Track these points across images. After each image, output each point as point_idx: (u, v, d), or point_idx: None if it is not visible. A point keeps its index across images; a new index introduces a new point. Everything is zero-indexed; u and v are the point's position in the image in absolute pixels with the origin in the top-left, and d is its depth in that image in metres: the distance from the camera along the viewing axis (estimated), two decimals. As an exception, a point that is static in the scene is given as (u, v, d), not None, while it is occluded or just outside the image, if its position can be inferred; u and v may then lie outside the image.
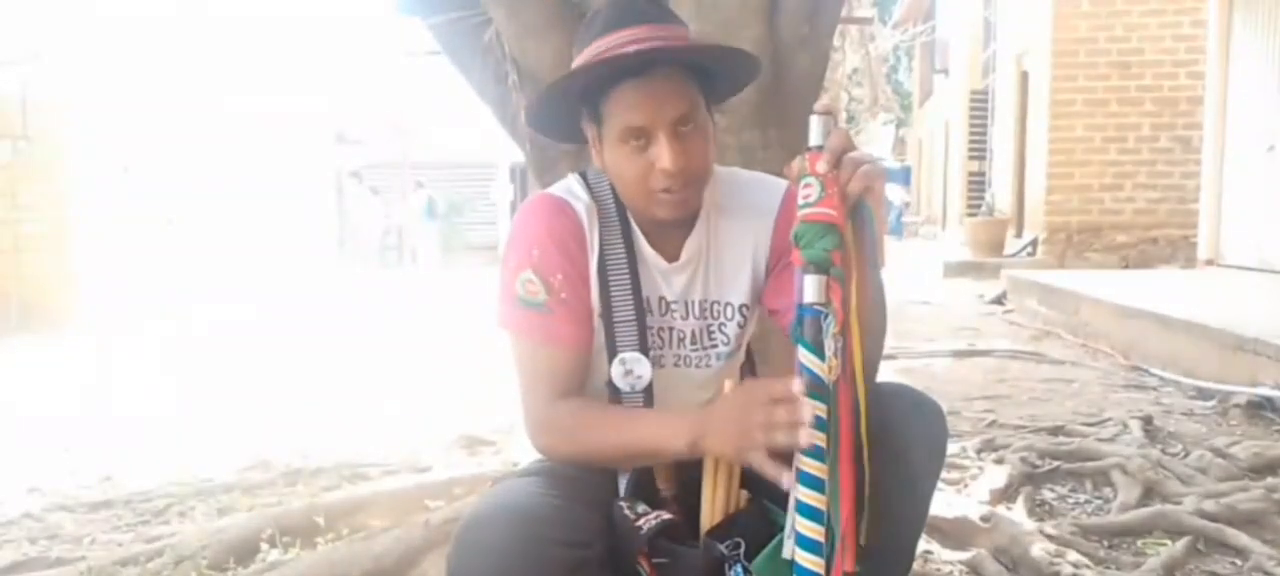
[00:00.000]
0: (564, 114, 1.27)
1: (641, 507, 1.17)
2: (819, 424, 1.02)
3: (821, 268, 1.04)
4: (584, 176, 1.32)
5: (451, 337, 6.60)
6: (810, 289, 1.05)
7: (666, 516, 1.16)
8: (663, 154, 1.17)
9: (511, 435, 3.36)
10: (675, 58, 1.19)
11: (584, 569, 1.04)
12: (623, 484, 1.22)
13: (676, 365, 1.30)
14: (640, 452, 1.16)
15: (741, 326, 1.33)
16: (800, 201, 1.06)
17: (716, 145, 1.28)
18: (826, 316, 1.03)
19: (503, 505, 1.07)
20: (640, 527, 1.13)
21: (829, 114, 1.09)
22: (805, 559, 1.04)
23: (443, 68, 2.33)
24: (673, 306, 1.29)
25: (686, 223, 1.29)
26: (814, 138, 1.07)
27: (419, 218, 15.67)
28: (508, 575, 1.01)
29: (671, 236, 1.29)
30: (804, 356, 1.03)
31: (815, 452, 1.02)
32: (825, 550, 1.04)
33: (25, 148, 7.73)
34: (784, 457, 1.04)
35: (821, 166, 1.05)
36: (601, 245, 1.26)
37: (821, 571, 1.03)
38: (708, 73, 1.24)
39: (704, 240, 1.30)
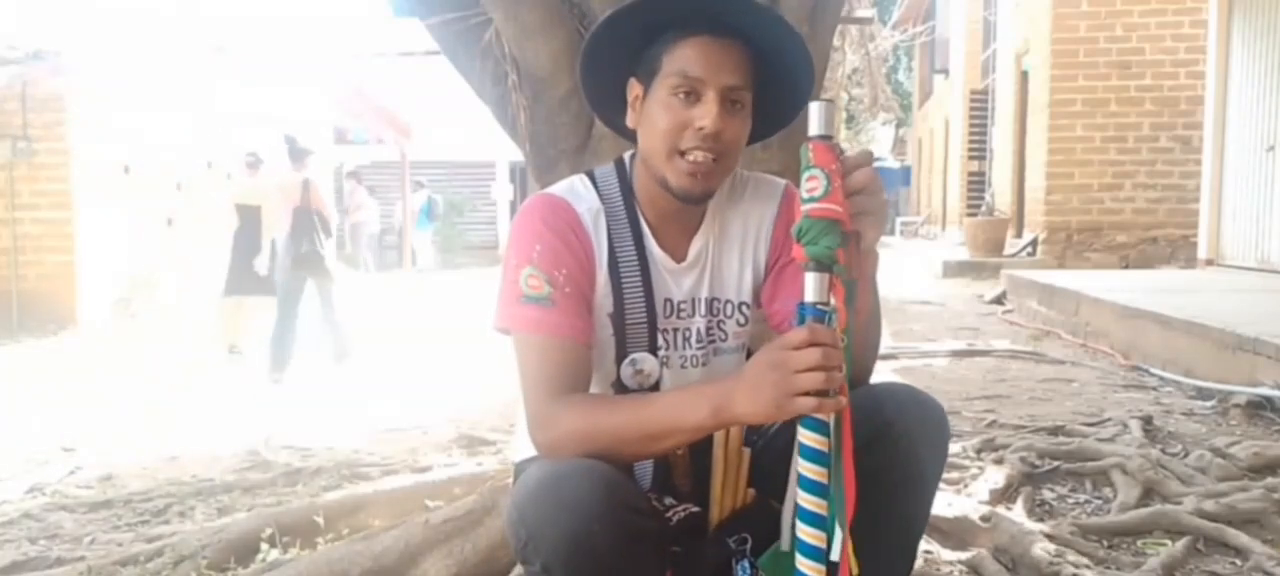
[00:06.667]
0: (613, 63, 1.24)
1: (669, 499, 1.19)
2: (820, 428, 1.01)
3: (824, 265, 1.00)
4: (591, 176, 1.31)
5: (451, 338, 6.59)
6: (812, 287, 1.00)
7: (693, 509, 1.18)
8: (707, 112, 1.15)
9: (511, 435, 3.36)
10: (748, 12, 1.16)
11: (648, 540, 1.05)
12: (645, 480, 1.24)
13: (683, 366, 1.29)
14: (659, 430, 1.09)
15: (741, 325, 1.33)
16: (804, 195, 1.01)
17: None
18: (829, 316, 1.00)
19: (580, 467, 1.05)
20: (670, 519, 1.15)
21: (831, 101, 1.05)
22: (806, 565, 1.02)
23: (442, 67, 2.32)
24: (681, 307, 1.28)
25: (693, 222, 1.29)
26: (814, 127, 1.02)
27: (418, 218, 15.66)
28: (590, 535, 0.99)
29: (679, 236, 1.29)
30: None
31: (815, 456, 1.01)
32: (825, 555, 1.02)
33: (25, 147, 7.73)
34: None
35: (829, 163, 1.00)
36: (612, 245, 1.24)
37: None
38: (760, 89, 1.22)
39: (709, 239, 1.30)
